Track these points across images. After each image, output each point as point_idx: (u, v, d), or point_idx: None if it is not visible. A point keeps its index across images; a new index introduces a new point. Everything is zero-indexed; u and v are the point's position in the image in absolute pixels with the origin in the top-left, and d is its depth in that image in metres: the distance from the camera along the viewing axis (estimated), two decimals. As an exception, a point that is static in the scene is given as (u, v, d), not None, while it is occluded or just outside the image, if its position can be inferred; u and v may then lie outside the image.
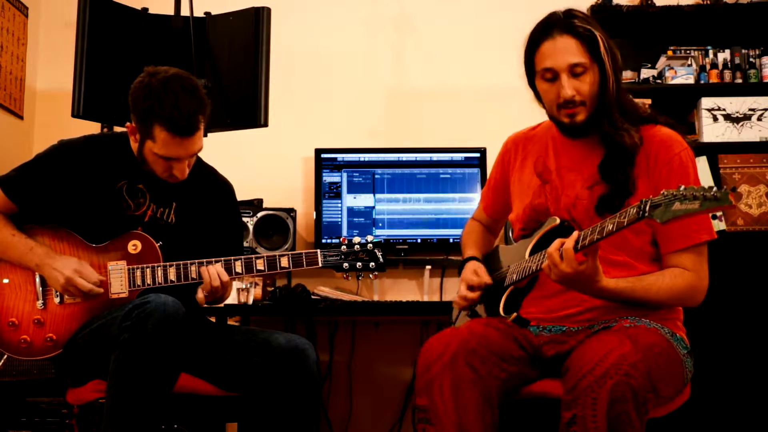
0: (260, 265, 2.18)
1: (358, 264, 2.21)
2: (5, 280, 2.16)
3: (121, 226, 2.20)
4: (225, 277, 2.15)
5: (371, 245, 2.22)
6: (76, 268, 2.10)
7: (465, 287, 2.08)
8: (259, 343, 2.16)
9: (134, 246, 2.18)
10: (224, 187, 2.42)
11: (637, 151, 1.89)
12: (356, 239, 2.23)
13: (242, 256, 2.19)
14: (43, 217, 2.20)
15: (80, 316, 2.14)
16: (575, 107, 1.90)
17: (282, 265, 2.18)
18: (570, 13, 1.91)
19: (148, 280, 2.14)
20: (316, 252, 2.19)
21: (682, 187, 1.52)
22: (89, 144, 2.25)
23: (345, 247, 2.21)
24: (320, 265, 2.20)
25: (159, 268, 2.15)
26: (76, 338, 2.11)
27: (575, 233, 1.72)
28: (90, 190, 2.19)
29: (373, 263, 2.22)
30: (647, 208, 1.56)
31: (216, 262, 2.17)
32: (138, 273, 2.15)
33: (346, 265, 2.21)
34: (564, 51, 1.88)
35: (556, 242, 1.74)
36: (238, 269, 2.17)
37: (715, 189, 1.48)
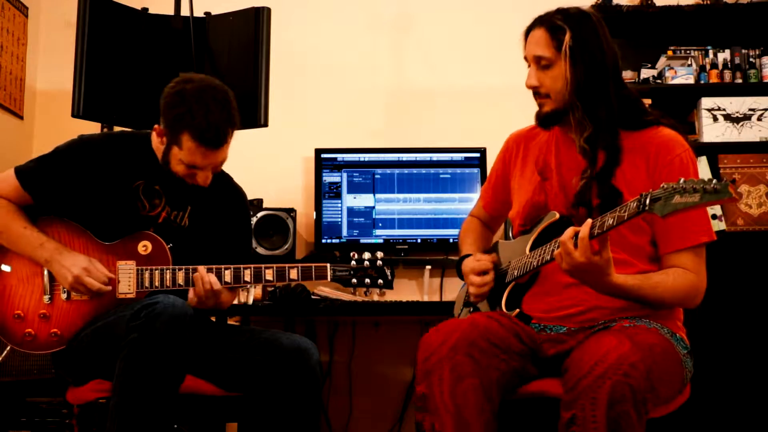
0: (269, 275, 2.18)
1: (367, 280, 2.21)
2: (12, 272, 2.16)
3: (134, 226, 2.20)
4: (216, 285, 2.14)
5: (380, 262, 2.22)
6: (85, 267, 2.09)
7: (475, 276, 2.07)
8: (261, 343, 2.17)
9: (145, 247, 2.18)
10: (238, 194, 2.42)
11: (586, 156, 1.92)
12: (366, 254, 2.22)
13: (252, 265, 2.18)
14: (57, 211, 2.20)
15: (86, 313, 2.14)
16: (541, 98, 1.98)
17: (291, 276, 2.18)
18: (561, 9, 1.95)
19: (156, 282, 2.14)
20: (326, 266, 2.19)
21: (682, 180, 1.51)
22: (109, 141, 2.25)
23: (354, 262, 2.21)
24: (329, 279, 2.20)
25: (168, 270, 2.15)
26: (80, 336, 2.11)
27: (588, 221, 1.70)
28: (106, 187, 2.19)
29: (381, 280, 2.22)
30: (647, 201, 1.55)
31: (225, 270, 2.17)
32: (146, 274, 2.15)
33: (354, 280, 2.21)
34: (534, 42, 1.95)
35: (570, 230, 1.72)
36: (247, 278, 2.17)
37: (714, 181, 1.47)
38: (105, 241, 2.19)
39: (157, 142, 2.21)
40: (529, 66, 1.98)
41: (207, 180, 2.17)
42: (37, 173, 2.18)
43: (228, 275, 2.16)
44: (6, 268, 2.17)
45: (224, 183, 2.39)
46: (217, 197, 2.33)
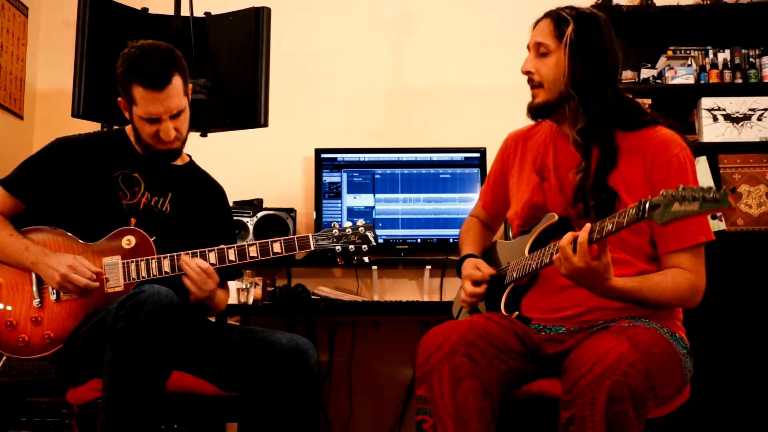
0: (253, 251, 2.18)
1: (351, 247, 2.19)
2: (1, 282, 2.17)
3: (116, 215, 2.22)
4: (204, 264, 2.15)
5: (363, 228, 2.21)
6: (71, 264, 2.11)
7: (469, 284, 2.08)
8: (260, 343, 2.17)
9: (128, 241, 2.19)
10: (218, 189, 2.47)
11: (579, 148, 1.93)
12: (347, 223, 2.22)
13: (235, 245, 2.20)
14: (44, 213, 2.22)
15: (77, 312, 2.15)
16: (534, 87, 1.99)
17: (275, 250, 2.17)
18: (572, 6, 1.97)
19: (143, 273, 2.16)
20: (308, 236, 2.18)
21: (681, 187, 1.51)
22: (86, 137, 2.32)
23: (336, 231, 2.21)
24: (312, 248, 2.17)
25: (153, 260, 2.17)
26: (75, 335, 2.12)
27: (587, 225, 1.70)
28: (87, 180, 2.22)
29: (366, 246, 2.20)
30: (646, 208, 1.55)
31: (209, 252, 2.17)
32: (133, 266, 2.17)
33: (338, 248, 2.19)
34: (538, 31, 1.98)
35: (569, 235, 1.72)
36: (231, 257, 2.17)
37: (714, 190, 1.47)
38: (89, 241, 2.21)
39: (129, 129, 2.30)
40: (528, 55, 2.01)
41: (169, 133, 2.21)
42: (22, 178, 2.23)
43: (213, 257, 2.17)
44: None
45: (204, 176, 2.45)
46: (197, 186, 2.38)
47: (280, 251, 2.17)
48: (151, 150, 2.26)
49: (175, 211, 2.30)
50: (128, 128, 2.33)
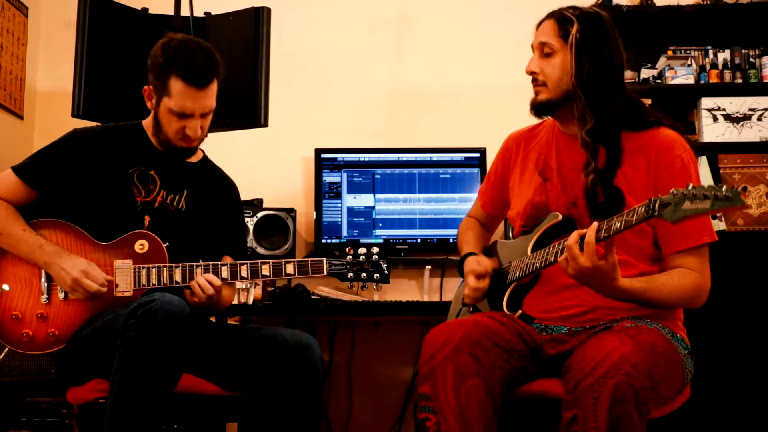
0: (266, 270, 2.19)
1: (363, 274, 2.23)
2: (10, 274, 2.17)
3: (130, 212, 2.21)
4: (216, 282, 2.15)
5: (377, 257, 2.23)
6: (84, 269, 2.10)
7: (473, 278, 2.07)
8: (263, 339, 2.17)
9: (141, 245, 2.19)
10: (231, 185, 2.47)
11: (587, 149, 1.92)
12: (362, 249, 2.23)
13: (248, 261, 2.20)
14: (56, 205, 2.21)
15: (83, 313, 2.15)
16: (537, 86, 2.00)
17: (287, 271, 2.20)
18: (575, 6, 1.98)
19: (154, 281, 2.15)
20: (322, 261, 2.20)
21: (691, 185, 1.51)
22: (103, 131, 2.31)
23: (350, 257, 2.22)
24: (325, 273, 2.21)
25: (165, 269, 2.16)
26: (78, 335, 2.12)
27: (594, 224, 1.69)
28: (102, 175, 2.21)
29: (378, 275, 2.23)
30: (656, 207, 1.55)
31: (222, 266, 2.17)
32: (144, 272, 2.16)
33: (350, 274, 2.22)
34: (542, 31, 1.99)
35: (575, 234, 1.71)
36: (244, 274, 2.18)
37: (726, 188, 1.47)
38: (102, 241, 2.20)
39: (146, 123, 2.28)
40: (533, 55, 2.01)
41: (196, 131, 2.22)
42: (37, 166, 2.21)
43: (225, 271, 2.18)
44: (4, 275, 2.18)
45: (217, 172, 2.45)
46: (212, 183, 2.39)
47: (293, 273, 2.20)
48: (170, 145, 2.25)
49: (190, 208, 2.29)
50: (145, 122, 2.32)
